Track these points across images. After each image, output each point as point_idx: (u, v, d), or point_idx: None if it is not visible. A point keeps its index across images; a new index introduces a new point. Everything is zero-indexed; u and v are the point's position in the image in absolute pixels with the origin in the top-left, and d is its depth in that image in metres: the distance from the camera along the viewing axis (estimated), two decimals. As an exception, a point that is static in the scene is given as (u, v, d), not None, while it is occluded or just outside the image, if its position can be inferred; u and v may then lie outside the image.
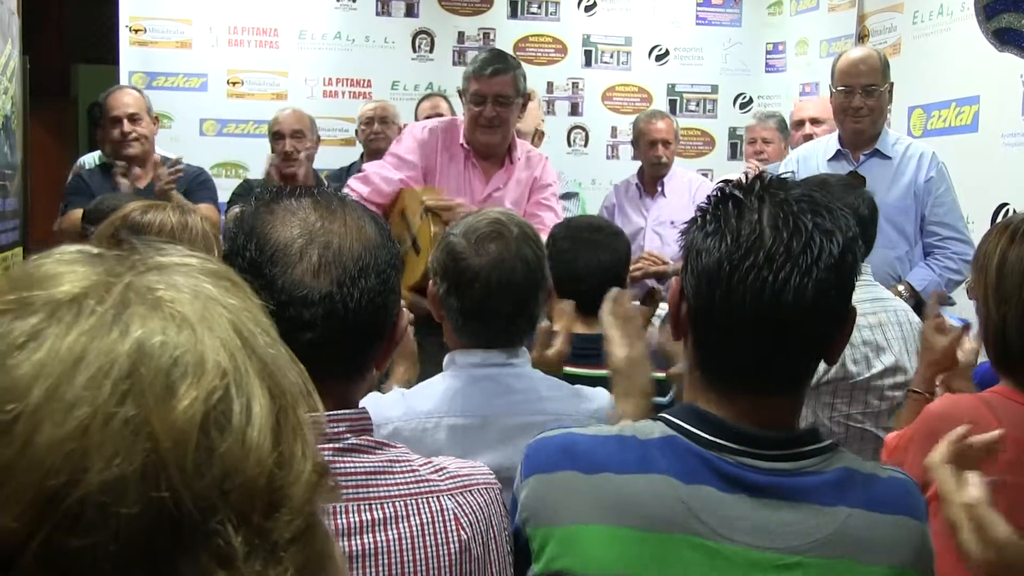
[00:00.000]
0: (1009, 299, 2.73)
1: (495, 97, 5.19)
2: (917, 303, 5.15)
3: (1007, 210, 6.18)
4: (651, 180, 6.89)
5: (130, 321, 0.89)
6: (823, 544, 1.89)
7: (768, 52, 9.68)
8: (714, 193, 2.03)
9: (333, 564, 1.00)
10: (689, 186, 6.79)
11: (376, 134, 7.00)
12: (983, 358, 3.25)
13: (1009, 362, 2.78)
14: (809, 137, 6.74)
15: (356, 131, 7.50)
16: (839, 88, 5.69)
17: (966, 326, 3.56)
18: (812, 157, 5.80)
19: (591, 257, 3.85)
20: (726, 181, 2.15)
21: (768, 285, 1.87)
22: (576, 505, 1.94)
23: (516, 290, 3.03)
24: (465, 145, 5.36)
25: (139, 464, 0.84)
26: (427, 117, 6.90)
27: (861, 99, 5.58)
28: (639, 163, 7.09)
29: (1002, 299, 2.76)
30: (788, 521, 1.91)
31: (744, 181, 2.04)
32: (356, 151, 7.75)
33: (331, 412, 1.93)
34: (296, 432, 0.95)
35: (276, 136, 6.81)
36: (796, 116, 7.21)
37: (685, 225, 2.07)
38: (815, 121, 6.91)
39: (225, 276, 1.03)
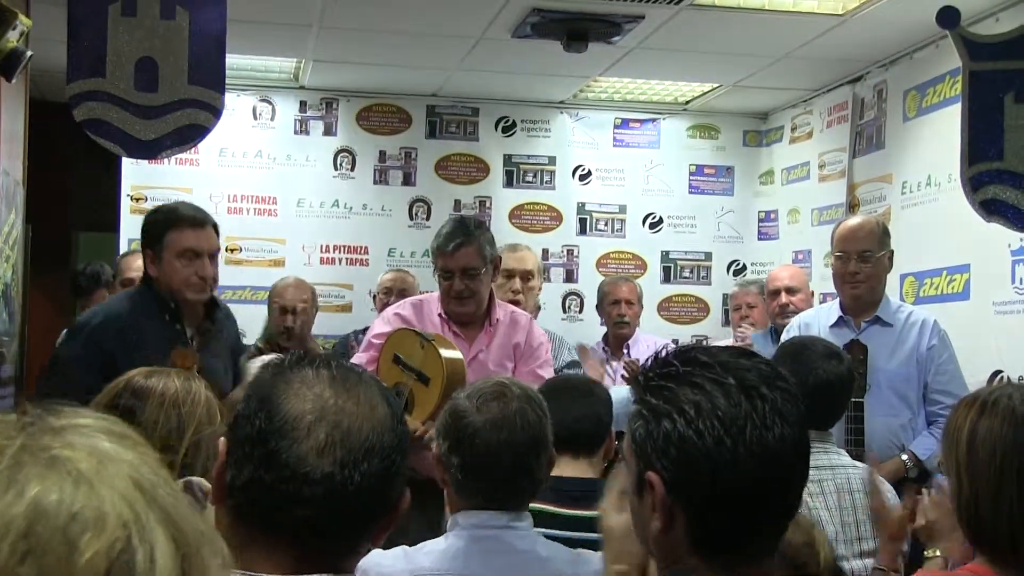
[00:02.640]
0: (980, 475, 2.68)
1: (462, 271, 5.26)
2: (921, 472, 5.27)
3: (1001, 377, 6.19)
4: (616, 341, 7.22)
5: (25, 481, 0.90)
6: None
7: (760, 220, 9.82)
8: (645, 373, 2.10)
9: None
10: (654, 348, 6.58)
11: (391, 303, 6.73)
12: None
13: (983, 538, 2.72)
14: (785, 306, 6.96)
15: (374, 297, 7.58)
16: (836, 254, 5.85)
17: (916, 489, 3.62)
18: (815, 323, 5.89)
19: (569, 407, 3.80)
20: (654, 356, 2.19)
21: (770, 444, 1.95)
22: None
23: (517, 448, 3.11)
24: (443, 315, 5.39)
25: None
26: (386, 289, 7.24)
27: (856, 264, 5.71)
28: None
29: (973, 475, 2.70)
30: None
31: (676, 352, 2.13)
32: (352, 318, 7.90)
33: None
34: (203, 572, 0.97)
35: (281, 310, 6.92)
36: (771, 285, 7.29)
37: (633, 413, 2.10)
38: (790, 290, 7.06)
39: (121, 433, 1.02)
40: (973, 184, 5.72)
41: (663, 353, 2.12)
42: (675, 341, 8.23)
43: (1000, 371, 6.28)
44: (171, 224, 5.05)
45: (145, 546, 0.91)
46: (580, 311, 9.40)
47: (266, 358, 5.46)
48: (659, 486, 2.00)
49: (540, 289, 7.15)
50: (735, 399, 1.96)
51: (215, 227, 5.21)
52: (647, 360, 2.14)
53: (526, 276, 6.81)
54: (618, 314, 7.49)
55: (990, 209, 5.73)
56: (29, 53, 5.57)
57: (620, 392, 5.26)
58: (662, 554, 2.10)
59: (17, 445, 0.93)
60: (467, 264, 5.25)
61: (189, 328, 5.11)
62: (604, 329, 7.80)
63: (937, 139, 7.20)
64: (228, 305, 5.63)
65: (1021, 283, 6.58)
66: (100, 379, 4.62)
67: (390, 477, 1.97)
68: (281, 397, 1.95)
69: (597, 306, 7.85)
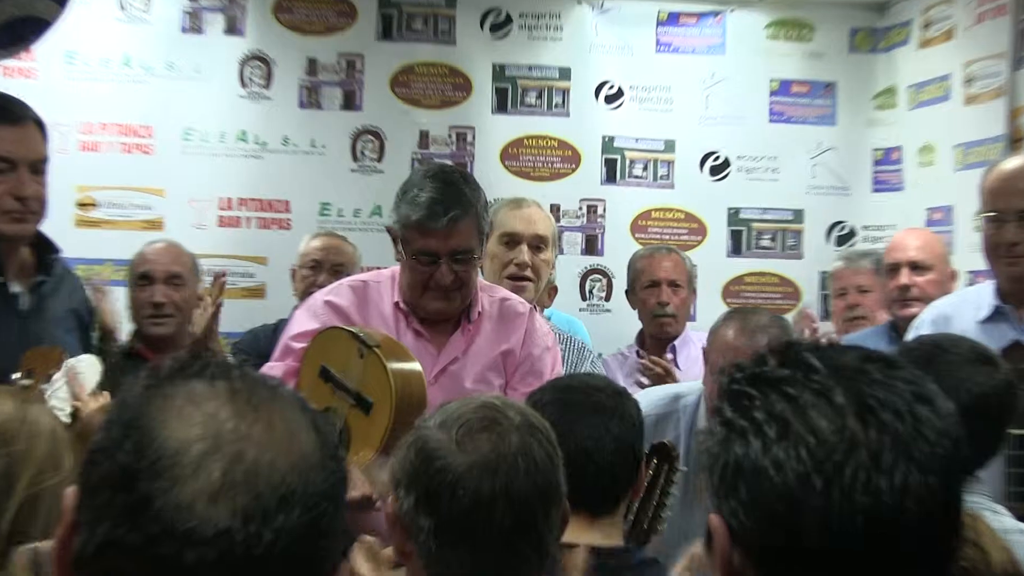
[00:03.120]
0: None
1: (452, 254, 5.15)
2: None
3: None
4: (655, 344, 6.80)
5: None
6: None
7: (877, 162, 9.80)
8: (736, 384, 2.08)
9: None
10: None
11: (319, 285, 6.67)
12: None
13: None
14: (907, 289, 6.93)
15: (294, 273, 7.48)
16: (988, 214, 5.76)
17: None
18: (957, 316, 5.84)
19: (596, 426, 3.84)
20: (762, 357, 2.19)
21: (883, 492, 1.90)
22: None
23: (518, 501, 3.03)
24: (401, 305, 5.34)
25: None
26: (313, 262, 7.13)
27: (1017, 230, 5.63)
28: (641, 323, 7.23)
29: None
30: None
31: (758, 356, 2.11)
32: (266, 305, 7.91)
33: None
34: None
35: (142, 279, 6.83)
36: (891, 258, 7.23)
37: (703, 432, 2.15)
38: (916, 266, 7.04)
39: None
40: None
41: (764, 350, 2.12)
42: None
43: None
44: None
45: None
46: (607, 297, 9.42)
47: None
48: (722, 532, 2.04)
49: (554, 265, 7.13)
50: (841, 422, 1.93)
51: (39, 124, 5.22)
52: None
53: (537, 244, 6.78)
54: (657, 302, 7.30)
55: None
56: None
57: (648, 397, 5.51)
58: None
59: None
60: (460, 245, 5.15)
61: (15, 284, 5.17)
62: (639, 324, 7.65)
63: None
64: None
65: None
66: None
67: (318, 535, 1.87)
68: (156, 420, 1.84)
69: (627, 290, 7.71)
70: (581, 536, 3.50)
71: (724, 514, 2.03)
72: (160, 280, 6.77)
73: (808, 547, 1.94)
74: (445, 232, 5.08)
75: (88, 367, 5.21)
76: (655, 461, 4.59)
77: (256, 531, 1.78)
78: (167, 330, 6.61)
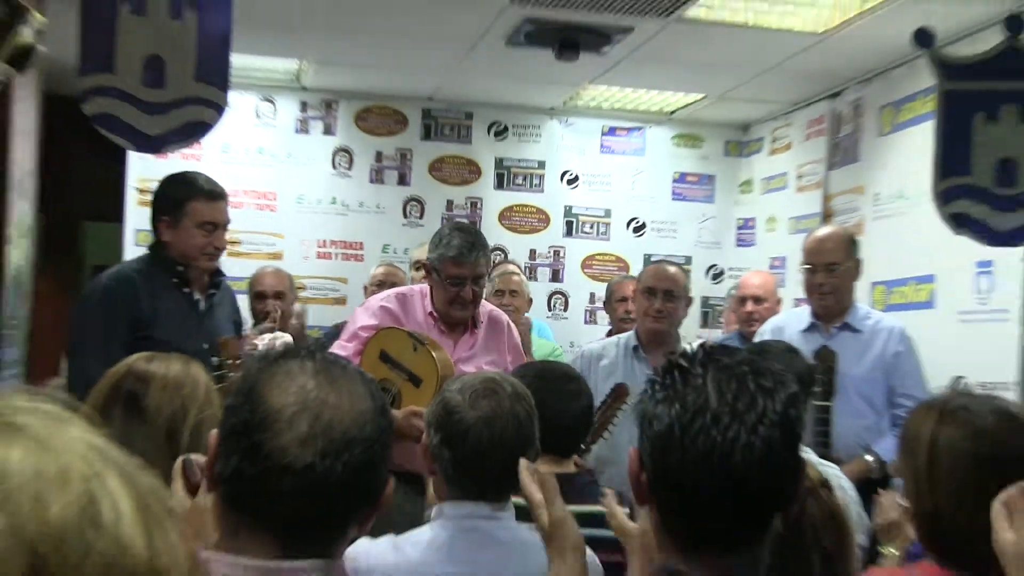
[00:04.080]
0: (940, 488, 2.65)
1: (474, 279, 5.21)
2: (885, 475, 5.17)
3: (960, 380, 6.03)
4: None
5: None
6: None
7: (739, 227, 9.84)
8: (661, 365, 2.09)
9: None
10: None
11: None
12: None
13: (936, 544, 2.70)
14: (751, 314, 7.04)
15: (366, 289, 7.43)
16: (804, 266, 5.84)
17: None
18: (787, 328, 5.90)
19: (561, 402, 3.83)
20: (671, 353, 2.24)
21: (718, 444, 1.91)
22: None
23: (507, 446, 3.07)
24: (433, 313, 5.32)
25: (24, 570, 0.86)
26: (378, 282, 7.09)
27: (823, 276, 5.73)
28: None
29: (933, 486, 2.68)
30: None
31: (682, 353, 2.09)
32: (346, 311, 7.79)
33: (301, 564, 1.92)
34: (166, 523, 0.97)
35: (257, 296, 6.93)
36: (740, 292, 7.31)
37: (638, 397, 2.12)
38: (757, 299, 7.12)
39: (73, 408, 1.02)
40: (943, 198, 5.75)
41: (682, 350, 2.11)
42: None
43: (962, 377, 6.16)
44: (193, 195, 5.15)
45: (109, 499, 0.92)
46: (564, 309, 9.46)
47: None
48: (635, 460, 2.03)
49: (526, 296, 7.34)
50: (703, 395, 1.95)
51: (226, 199, 5.32)
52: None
53: (513, 293, 7.09)
54: (625, 311, 7.28)
55: (958, 222, 5.76)
56: (41, 48, 5.63)
57: None
58: (655, 539, 2.10)
59: None
60: (479, 273, 5.24)
61: (196, 293, 5.18)
62: (600, 328, 7.87)
63: (909, 154, 7.23)
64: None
65: (983, 294, 6.65)
66: (126, 318, 4.90)
67: (372, 467, 1.96)
68: (265, 389, 1.94)
69: (605, 303, 7.77)
70: (552, 469, 3.41)
71: (639, 447, 2.04)
72: (270, 296, 6.86)
73: (673, 475, 1.96)
74: (471, 265, 5.13)
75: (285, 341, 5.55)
76: (611, 399, 4.62)
77: (331, 465, 1.88)
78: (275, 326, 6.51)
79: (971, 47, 6.13)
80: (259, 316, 6.79)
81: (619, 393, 4.50)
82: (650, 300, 5.67)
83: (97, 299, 5.06)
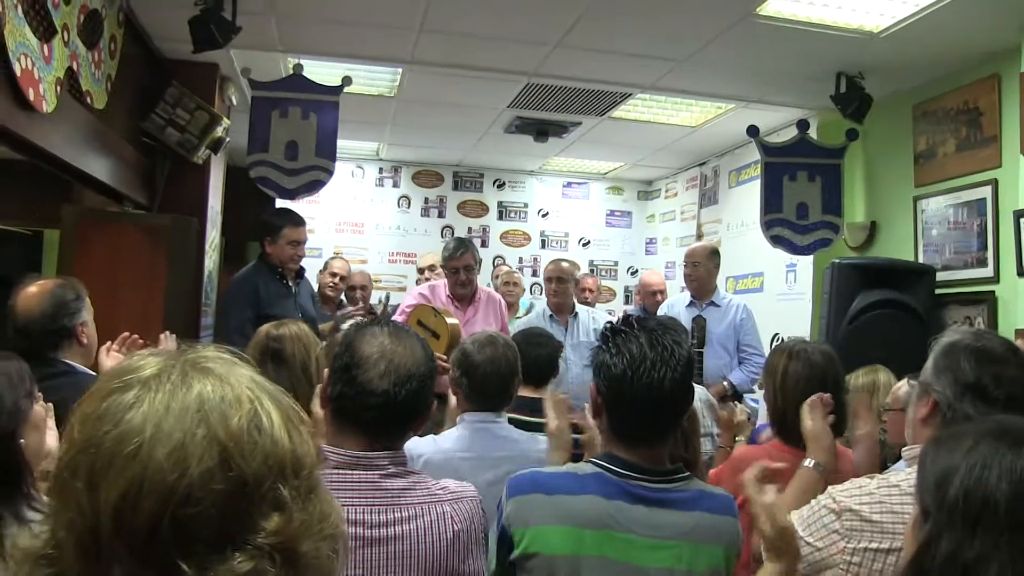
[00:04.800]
0: (788, 397, 2.72)
1: (464, 268, 5.17)
2: (735, 393, 5.30)
3: (778, 336, 6.30)
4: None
5: (191, 383, 0.91)
6: (688, 533, 1.93)
7: (647, 243, 9.72)
8: (607, 329, 2.04)
9: (334, 507, 0.97)
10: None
11: (427, 279, 6.57)
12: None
13: (783, 430, 2.75)
14: (659, 301, 6.58)
15: (419, 271, 7.27)
16: (685, 265, 5.84)
17: (731, 408, 3.62)
18: (677, 304, 5.86)
19: (537, 351, 3.77)
20: (609, 322, 2.19)
21: (654, 380, 1.92)
22: (541, 514, 1.93)
23: (502, 377, 3.10)
24: (450, 295, 5.26)
25: (217, 459, 0.86)
26: (428, 266, 6.82)
27: (692, 271, 5.74)
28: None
29: (784, 396, 2.75)
30: (668, 520, 1.94)
31: (623, 320, 2.05)
32: (403, 295, 7.91)
33: (380, 453, 1.89)
34: (300, 428, 0.95)
35: (351, 288, 6.74)
36: (649, 287, 6.95)
37: (593, 348, 2.07)
38: (661, 292, 6.82)
39: (240, 356, 1.00)
40: (766, 226, 5.84)
41: (622, 318, 2.09)
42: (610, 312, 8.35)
43: (777, 333, 6.36)
44: (285, 223, 5.14)
45: (266, 413, 0.92)
46: (540, 294, 8.86)
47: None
48: (594, 391, 2.02)
49: (521, 287, 7.31)
50: (641, 348, 1.94)
51: (305, 225, 5.28)
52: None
53: (514, 284, 7.08)
54: (581, 292, 7.10)
55: (775, 241, 5.84)
56: (227, 139, 5.79)
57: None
58: (603, 438, 2.08)
59: (182, 362, 0.94)
60: (467, 264, 5.20)
61: (290, 283, 5.17)
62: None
63: (747, 200, 7.20)
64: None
65: (791, 283, 6.69)
66: (251, 303, 4.85)
67: (424, 392, 1.96)
68: (358, 343, 1.94)
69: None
70: (532, 393, 3.51)
71: (597, 383, 2.01)
72: (358, 288, 6.70)
73: (624, 400, 1.95)
74: (460, 259, 5.16)
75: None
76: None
77: (399, 390, 1.89)
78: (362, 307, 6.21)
79: (779, 137, 6.21)
80: (351, 300, 6.61)
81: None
82: (551, 285, 5.60)
83: (234, 292, 5.08)
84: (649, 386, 1.92)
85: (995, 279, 5.11)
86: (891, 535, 1.89)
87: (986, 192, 5.20)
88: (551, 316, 5.59)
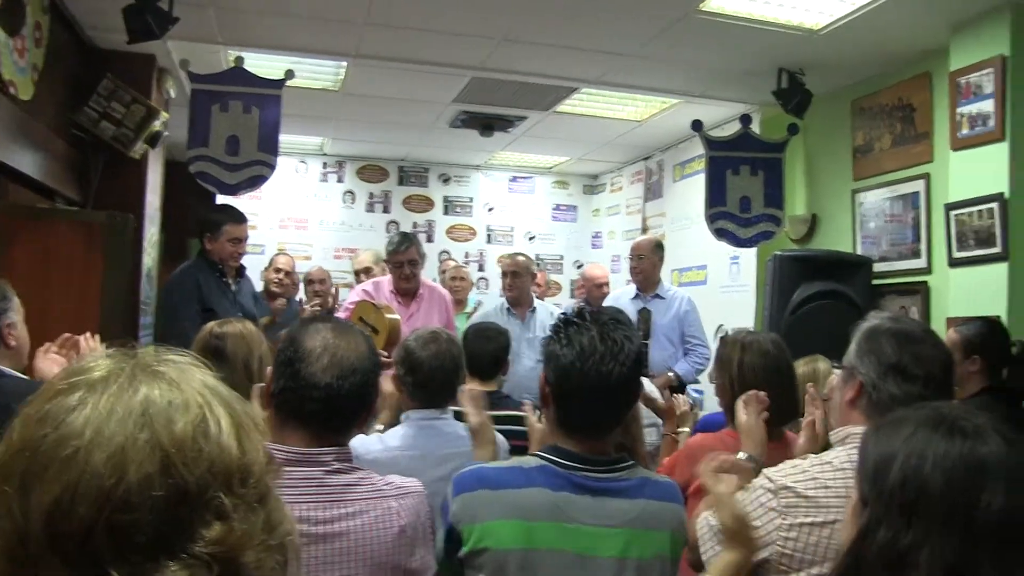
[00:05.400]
0: (746, 386, 2.71)
1: (408, 262, 5.13)
2: (680, 384, 5.31)
3: (721, 327, 6.25)
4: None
5: (139, 386, 0.89)
6: (634, 520, 1.95)
7: (592, 237, 9.74)
8: (560, 320, 2.05)
9: (285, 515, 0.96)
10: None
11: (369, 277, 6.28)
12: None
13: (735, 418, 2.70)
14: (605, 293, 6.51)
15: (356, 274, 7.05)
16: (631, 259, 5.86)
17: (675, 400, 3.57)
18: (622, 297, 5.86)
19: (484, 345, 3.77)
20: (564, 313, 2.18)
21: (602, 373, 1.92)
22: (489, 509, 1.92)
23: (445, 372, 3.07)
24: (393, 291, 5.21)
25: (158, 465, 0.84)
26: (364, 268, 6.62)
27: (637, 264, 5.75)
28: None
29: (742, 386, 2.74)
30: (614, 509, 1.95)
31: (576, 312, 2.06)
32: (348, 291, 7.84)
33: (325, 449, 1.88)
34: (253, 435, 0.94)
35: (309, 281, 6.73)
36: (594, 280, 6.79)
37: (544, 339, 2.06)
38: (605, 285, 6.74)
39: (194, 358, 0.99)
40: (710, 219, 5.86)
41: (575, 311, 2.10)
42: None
43: (722, 324, 6.36)
44: (227, 220, 5.05)
45: (215, 419, 0.91)
46: (487, 288, 9.24)
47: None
48: (543, 380, 2.02)
49: (469, 281, 7.25)
50: (592, 341, 1.95)
51: (247, 223, 5.19)
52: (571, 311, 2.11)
53: (462, 279, 6.99)
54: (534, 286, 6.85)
55: (719, 234, 5.88)
56: (166, 133, 5.69)
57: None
58: (549, 428, 2.07)
59: (131, 365, 0.93)
60: (411, 257, 5.16)
61: (230, 280, 5.09)
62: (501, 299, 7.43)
63: (691, 193, 7.23)
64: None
65: (734, 276, 6.73)
66: (197, 298, 4.74)
67: (368, 386, 1.95)
68: (302, 338, 1.94)
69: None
70: (481, 387, 3.33)
71: (546, 373, 2.00)
72: (316, 283, 6.67)
73: (571, 390, 1.95)
74: (404, 253, 5.10)
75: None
76: None
77: (342, 383, 1.89)
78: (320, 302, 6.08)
79: (723, 132, 6.24)
80: (309, 295, 6.57)
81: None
82: (507, 279, 5.60)
83: (177, 287, 4.97)
84: (597, 378, 1.92)
85: (928, 270, 5.26)
86: (825, 509, 1.94)
87: (919, 186, 5.31)
88: (508, 309, 5.58)
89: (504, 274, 5.66)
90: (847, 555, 1.29)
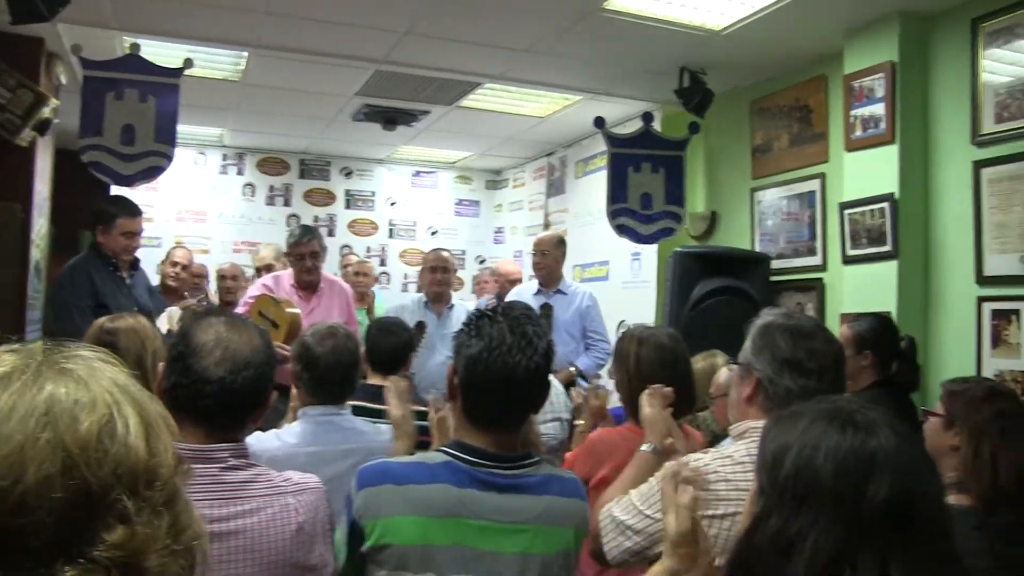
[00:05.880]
0: (644, 380, 2.74)
1: (311, 255, 5.13)
2: (580, 376, 5.31)
3: (623, 323, 6.11)
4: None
5: (44, 383, 0.87)
6: (539, 517, 1.95)
7: (495, 232, 9.78)
8: (472, 314, 2.04)
9: (194, 518, 0.94)
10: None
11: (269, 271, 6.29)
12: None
13: (638, 413, 2.70)
14: (507, 291, 6.54)
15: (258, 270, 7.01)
16: (532, 253, 5.87)
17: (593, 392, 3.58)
18: (524, 292, 5.84)
19: (387, 341, 3.75)
20: (477, 308, 2.22)
21: (509, 365, 1.91)
22: (392, 505, 1.88)
23: (343, 368, 3.05)
24: (294, 284, 5.19)
25: (59, 466, 0.81)
26: (265, 266, 6.58)
27: (540, 259, 5.74)
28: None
29: (640, 380, 2.78)
30: (519, 505, 1.94)
31: (488, 307, 2.05)
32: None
33: (220, 445, 1.84)
34: (159, 436, 0.91)
35: (222, 277, 6.62)
36: (508, 276, 6.93)
37: (456, 332, 2.05)
38: (519, 280, 6.81)
39: (105, 357, 0.96)
40: (612, 215, 5.89)
41: (486, 306, 2.09)
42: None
43: (624, 320, 6.33)
44: (121, 212, 4.92)
45: (123, 419, 0.88)
46: (388, 283, 9.24)
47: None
48: (450, 373, 2.00)
49: (372, 275, 7.24)
50: (502, 333, 1.94)
51: (141, 216, 5.07)
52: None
53: (364, 274, 6.98)
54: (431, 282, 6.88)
55: (620, 230, 5.90)
56: (56, 120, 5.48)
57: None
58: (455, 423, 2.05)
59: (38, 362, 0.90)
60: (313, 250, 5.14)
61: (124, 274, 4.97)
62: (410, 295, 7.44)
63: (593, 190, 7.30)
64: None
65: (636, 272, 6.79)
66: (89, 292, 4.61)
67: (262, 380, 1.92)
68: (194, 332, 1.91)
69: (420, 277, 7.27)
70: (382, 381, 3.40)
71: (454, 364, 1.98)
72: (228, 278, 6.60)
73: (478, 382, 1.93)
74: (306, 245, 5.10)
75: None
76: (416, 330, 4.24)
77: (235, 378, 1.85)
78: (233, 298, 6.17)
79: (625, 129, 6.29)
80: (222, 291, 6.49)
81: (420, 327, 4.42)
82: (435, 275, 5.56)
83: (68, 281, 4.83)
84: (503, 370, 1.91)
85: (823, 267, 5.40)
86: (725, 502, 1.97)
87: (815, 185, 5.44)
88: (426, 304, 5.55)
89: (433, 269, 5.60)
90: (741, 541, 1.32)
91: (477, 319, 2.01)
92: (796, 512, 1.24)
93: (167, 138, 5.29)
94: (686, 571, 1.76)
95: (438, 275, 5.56)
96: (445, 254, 5.72)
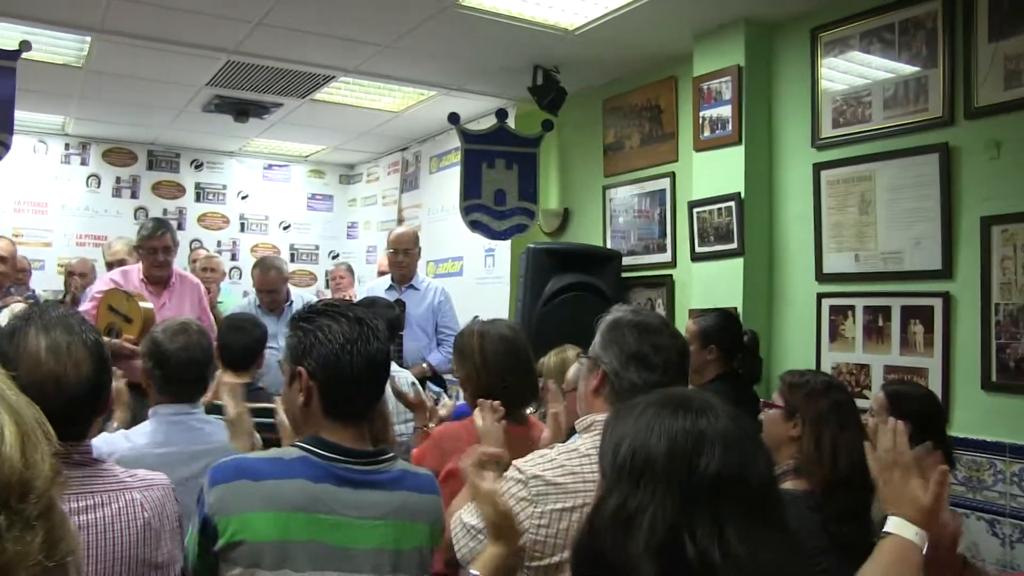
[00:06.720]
0: (492, 371, 2.82)
1: (163, 249, 5.01)
2: (434, 374, 5.33)
3: (476, 318, 6.39)
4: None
5: None
6: (394, 512, 1.94)
7: (348, 227, 9.65)
8: (303, 314, 2.02)
9: (68, 531, 0.90)
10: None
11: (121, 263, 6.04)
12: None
13: (482, 394, 2.74)
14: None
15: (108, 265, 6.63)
16: (389, 250, 5.81)
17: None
18: (376, 288, 5.78)
19: (239, 337, 3.71)
20: (321, 300, 2.16)
21: (370, 353, 1.93)
22: (247, 501, 1.84)
23: (196, 365, 2.97)
24: (144, 278, 5.05)
25: None
26: (118, 260, 6.25)
27: (401, 257, 5.67)
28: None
29: (488, 372, 2.84)
30: (374, 501, 1.92)
31: (317, 303, 2.05)
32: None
33: (64, 443, 1.66)
34: (36, 445, 0.87)
35: (70, 274, 6.36)
36: (381, 269, 6.79)
37: (288, 335, 2.02)
38: (382, 274, 6.58)
39: None
40: (465, 212, 5.93)
41: (313, 303, 2.06)
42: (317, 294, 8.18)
43: (477, 315, 6.41)
44: None
45: None
46: (240, 278, 9.01)
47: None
48: (305, 375, 1.94)
49: (221, 271, 7.08)
50: (352, 328, 1.93)
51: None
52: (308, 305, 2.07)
53: (212, 270, 6.76)
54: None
55: (474, 226, 5.96)
56: None
57: None
58: (304, 422, 2.00)
59: None
60: (166, 245, 5.02)
61: None
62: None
63: (447, 185, 7.28)
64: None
65: (489, 268, 6.80)
66: None
67: (99, 386, 1.85)
68: (22, 334, 1.81)
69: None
70: (236, 379, 3.38)
71: (306, 366, 1.93)
72: (76, 275, 6.34)
73: (340, 374, 1.90)
74: (160, 239, 4.97)
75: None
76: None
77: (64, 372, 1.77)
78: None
79: (479, 125, 6.29)
80: (68, 288, 6.27)
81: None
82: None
83: None
84: (366, 358, 1.93)
85: (673, 264, 5.50)
86: (573, 494, 2.01)
87: (665, 184, 5.54)
88: (259, 306, 5.50)
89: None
90: (583, 525, 1.36)
91: (318, 317, 1.98)
92: (634, 489, 1.27)
93: (5, 125, 5.01)
94: (512, 552, 1.91)
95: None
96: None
